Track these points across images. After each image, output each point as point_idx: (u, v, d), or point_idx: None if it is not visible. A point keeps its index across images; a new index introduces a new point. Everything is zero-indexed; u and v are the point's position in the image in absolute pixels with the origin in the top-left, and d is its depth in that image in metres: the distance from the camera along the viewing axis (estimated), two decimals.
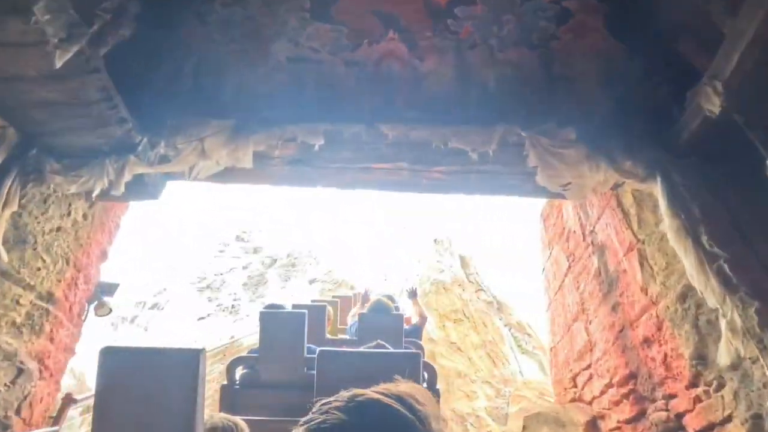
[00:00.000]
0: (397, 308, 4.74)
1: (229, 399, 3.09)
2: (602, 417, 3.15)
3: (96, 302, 3.47)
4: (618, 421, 3.04)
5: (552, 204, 4.52)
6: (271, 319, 3.29)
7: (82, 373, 25.42)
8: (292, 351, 3.14)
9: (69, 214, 3.16)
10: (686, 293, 2.31)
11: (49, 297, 3.06)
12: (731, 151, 2.16)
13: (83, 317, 3.39)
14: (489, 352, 20.62)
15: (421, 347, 3.81)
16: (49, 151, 2.64)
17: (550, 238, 4.27)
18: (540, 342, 22.11)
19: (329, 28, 2.99)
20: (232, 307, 31.01)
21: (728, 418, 1.96)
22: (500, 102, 2.84)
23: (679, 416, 2.42)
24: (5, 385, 2.62)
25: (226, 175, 3.05)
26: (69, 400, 3.46)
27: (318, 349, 1.88)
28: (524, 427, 3.59)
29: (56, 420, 3.30)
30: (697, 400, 2.24)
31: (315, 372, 1.74)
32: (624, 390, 2.97)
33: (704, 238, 2.09)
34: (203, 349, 1.61)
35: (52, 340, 3.07)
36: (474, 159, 2.91)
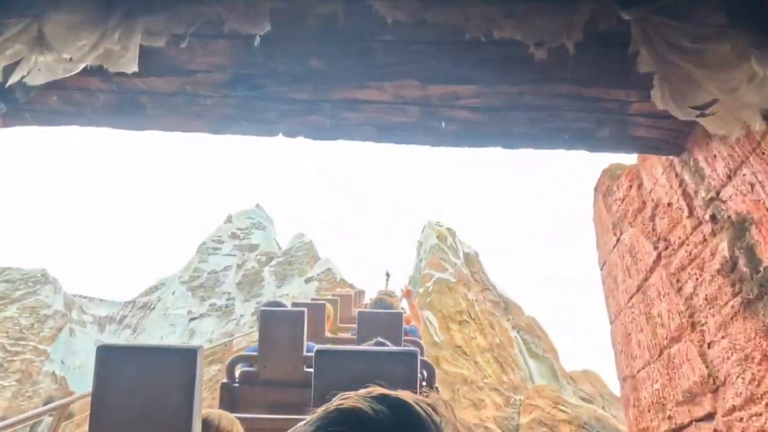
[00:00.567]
0: (403, 309, 4.74)
1: (229, 397, 3.10)
2: None
3: None
4: None
5: (614, 173, 3.26)
6: (271, 317, 3.27)
7: (63, 377, 24.11)
8: (291, 349, 3.15)
9: None
10: None
11: None
12: None
13: None
14: (497, 356, 19.38)
15: (420, 345, 3.79)
16: None
17: (617, 218, 3.01)
18: (551, 344, 20.84)
19: None
20: (226, 307, 29.80)
21: None
22: None
23: None
24: None
25: (96, 109, 1.80)
26: None
27: (315, 347, 1.72)
28: None
29: None
30: None
31: (312, 370, 1.60)
32: None
33: None
34: (201, 347, 1.55)
35: None
36: (534, 68, 1.68)
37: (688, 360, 2.25)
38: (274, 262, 36.47)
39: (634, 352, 2.60)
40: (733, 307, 2.00)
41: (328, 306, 4.81)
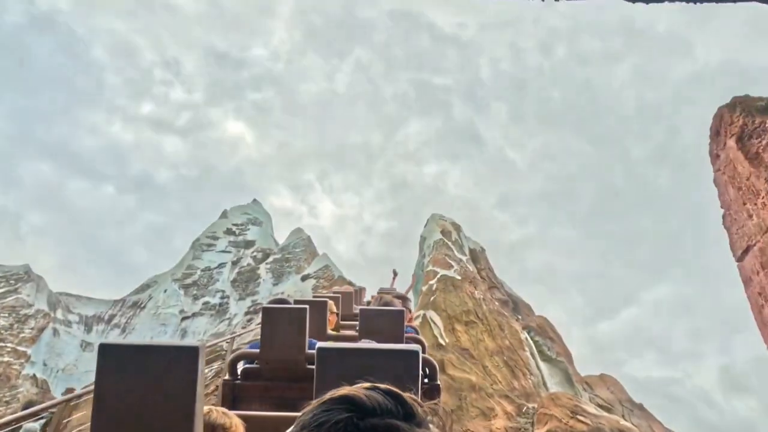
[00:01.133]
0: (409, 308, 4.84)
1: (231, 393, 3.09)
2: None
3: None
4: None
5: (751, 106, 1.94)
6: (273, 314, 3.26)
7: (44, 380, 22.74)
8: (293, 346, 3.16)
9: None
10: None
11: None
12: None
13: None
14: (506, 360, 18.09)
15: (422, 342, 3.80)
16: None
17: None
18: (565, 347, 19.56)
19: None
20: (220, 305, 28.55)
21: None
22: None
23: None
24: None
25: None
26: None
27: (317, 345, 1.69)
28: None
29: None
30: None
31: (314, 367, 1.62)
32: None
33: None
34: (203, 345, 1.53)
35: None
36: None
37: None
38: (270, 259, 35.13)
39: None
40: None
41: (331, 303, 4.75)
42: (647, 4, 2.31)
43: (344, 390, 0.53)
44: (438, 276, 18.67)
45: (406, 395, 0.54)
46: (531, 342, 17.37)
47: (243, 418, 1.79)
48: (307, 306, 3.33)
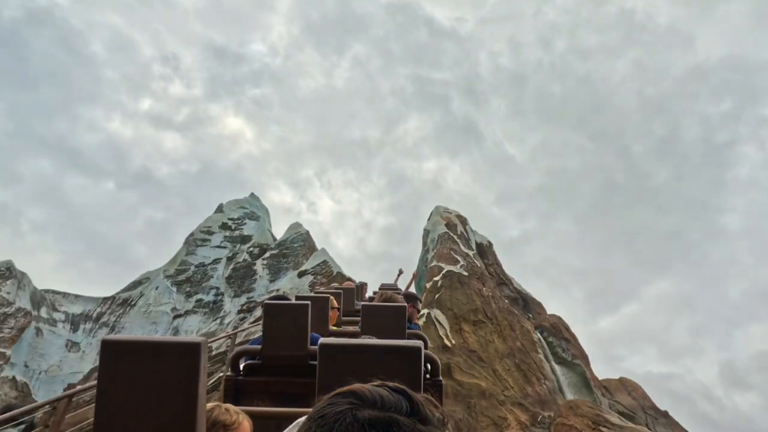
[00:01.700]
0: (418, 308, 4.98)
1: (233, 389, 3.12)
2: None
3: None
4: None
5: None
6: (275, 310, 3.29)
7: (25, 383, 21.35)
8: (295, 341, 3.17)
9: None
10: None
11: None
12: None
13: None
14: (519, 363, 16.78)
15: (424, 339, 3.77)
16: None
17: None
18: (581, 348, 18.26)
19: None
20: (214, 303, 27.32)
21: None
22: None
23: None
24: None
25: None
26: None
27: (319, 340, 1.65)
28: None
29: None
30: None
31: (317, 363, 1.61)
32: None
33: None
34: (204, 341, 1.52)
35: None
36: None
37: None
38: (267, 255, 33.82)
39: None
40: None
41: (332, 299, 4.80)
42: None
43: (350, 385, 0.55)
44: (443, 272, 17.36)
45: (418, 395, 0.54)
46: (544, 343, 16.07)
47: (245, 413, 1.80)
48: (308, 302, 3.34)
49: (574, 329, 17.78)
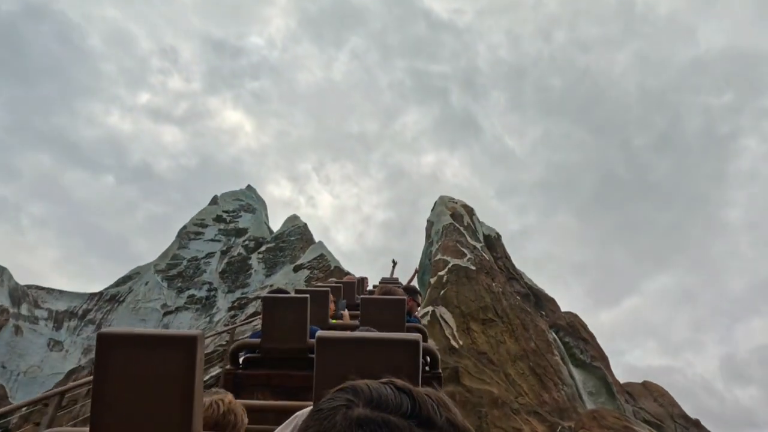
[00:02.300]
0: (418, 302, 4.99)
1: (233, 382, 3.09)
2: None
3: None
4: None
5: None
6: (274, 303, 3.25)
7: (0, 385, 19.86)
8: (295, 334, 3.14)
9: None
10: None
11: None
12: None
13: None
14: (533, 366, 15.40)
15: (423, 332, 3.81)
16: None
17: None
18: (600, 349, 16.89)
19: None
20: (206, 299, 25.99)
21: None
22: None
23: None
24: None
25: None
26: None
27: (316, 333, 1.62)
28: None
29: None
30: None
31: (314, 355, 1.58)
32: None
33: None
34: (201, 334, 1.51)
35: None
36: None
37: None
38: (263, 248, 32.46)
39: None
40: None
41: (330, 294, 4.75)
42: None
43: (354, 381, 0.53)
44: (449, 266, 15.96)
45: (431, 395, 0.51)
46: (560, 343, 14.70)
47: (245, 406, 1.81)
48: (307, 296, 3.29)
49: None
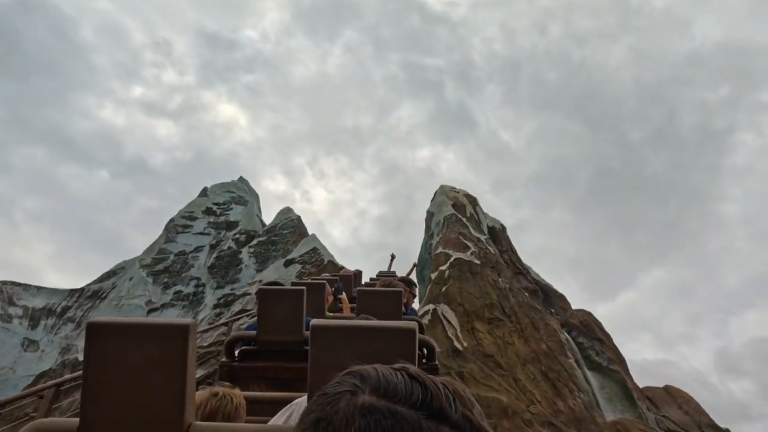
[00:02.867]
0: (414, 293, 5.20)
1: (229, 375, 3.12)
2: None
3: None
4: None
5: None
6: (270, 295, 3.30)
7: None
8: (291, 327, 3.17)
9: None
10: None
11: None
12: None
13: None
14: (545, 371, 14.10)
15: (420, 323, 3.71)
16: None
17: None
18: (617, 350, 15.61)
19: None
20: (194, 295, 24.64)
21: None
22: None
23: None
24: None
25: None
26: None
27: (311, 321, 1.58)
28: None
29: None
30: None
31: (309, 345, 1.55)
32: None
33: None
34: (195, 322, 1.47)
35: None
36: None
37: None
38: (254, 242, 31.07)
39: None
40: None
41: (327, 285, 4.70)
42: None
43: (361, 366, 0.50)
44: (451, 260, 14.65)
45: (449, 385, 0.46)
46: (573, 345, 13.44)
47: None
48: (303, 288, 3.31)
49: None
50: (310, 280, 5.88)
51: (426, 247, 18.01)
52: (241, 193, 35.13)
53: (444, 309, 13.40)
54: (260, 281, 20.76)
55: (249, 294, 20.29)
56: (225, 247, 29.00)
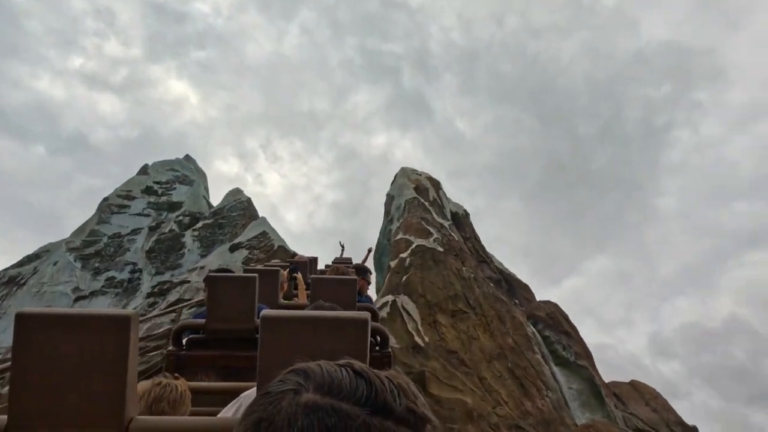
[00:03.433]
0: (368, 280, 4.99)
1: (175, 364, 3.04)
2: None
3: None
4: None
5: None
6: (219, 282, 3.17)
7: None
8: (240, 315, 3.09)
9: None
10: None
11: None
12: None
13: None
14: (512, 368, 13.13)
15: (374, 311, 3.89)
16: None
17: None
18: (583, 344, 14.96)
19: None
20: (129, 282, 22.41)
21: None
22: None
23: None
24: None
25: None
26: None
27: (261, 312, 1.58)
28: None
29: None
30: None
31: (259, 336, 1.53)
32: None
33: None
34: (136, 314, 1.41)
35: None
36: None
37: None
38: (199, 225, 28.77)
39: None
40: None
41: (283, 272, 4.62)
42: None
43: (305, 363, 0.49)
44: (412, 247, 13.49)
45: (393, 379, 0.47)
46: (540, 338, 12.66)
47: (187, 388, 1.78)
48: (256, 275, 3.22)
49: None
50: (262, 267, 5.71)
51: (385, 232, 16.78)
52: (187, 172, 32.60)
53: (404, 301, 12.22)
54: (202, 267, 18.94)
55: (188, 282, 18.46)
56: (166, 230, 26.69)
